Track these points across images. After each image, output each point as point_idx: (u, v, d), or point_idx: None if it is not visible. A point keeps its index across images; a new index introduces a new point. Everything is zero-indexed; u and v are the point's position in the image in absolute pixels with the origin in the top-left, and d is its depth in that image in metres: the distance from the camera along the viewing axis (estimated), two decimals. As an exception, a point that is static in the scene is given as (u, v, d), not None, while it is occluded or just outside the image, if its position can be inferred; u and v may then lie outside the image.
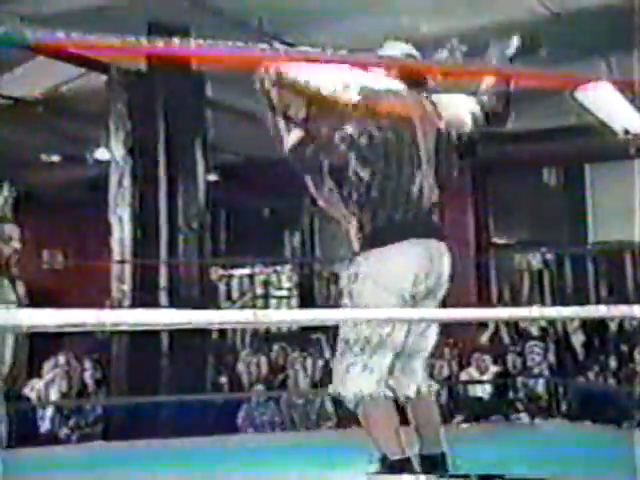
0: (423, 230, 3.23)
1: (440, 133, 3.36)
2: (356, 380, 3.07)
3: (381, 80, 3.24)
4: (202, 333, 7.65)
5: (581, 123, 8.48)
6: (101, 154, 9.99)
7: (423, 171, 3.23)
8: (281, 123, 3.32)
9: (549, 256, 11.92)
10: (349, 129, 3.13)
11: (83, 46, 2.29)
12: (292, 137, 3.28)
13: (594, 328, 9.13)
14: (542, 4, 7.57)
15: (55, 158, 11.65)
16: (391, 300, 3.10)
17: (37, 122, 10.00)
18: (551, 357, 8.83)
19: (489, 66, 3.83)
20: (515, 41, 3.50)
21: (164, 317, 2.69)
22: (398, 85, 3.28)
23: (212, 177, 9.25)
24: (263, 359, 8.99)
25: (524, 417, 7.90)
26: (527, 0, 7.52)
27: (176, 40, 2.93)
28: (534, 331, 9.32)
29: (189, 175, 8.10)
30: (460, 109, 3.51)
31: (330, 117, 3.17)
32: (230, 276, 13.03)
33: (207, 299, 8.25)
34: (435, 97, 3.44)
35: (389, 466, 3.04)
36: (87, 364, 8.48)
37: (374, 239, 3.12)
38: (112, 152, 8.25)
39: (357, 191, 3.14)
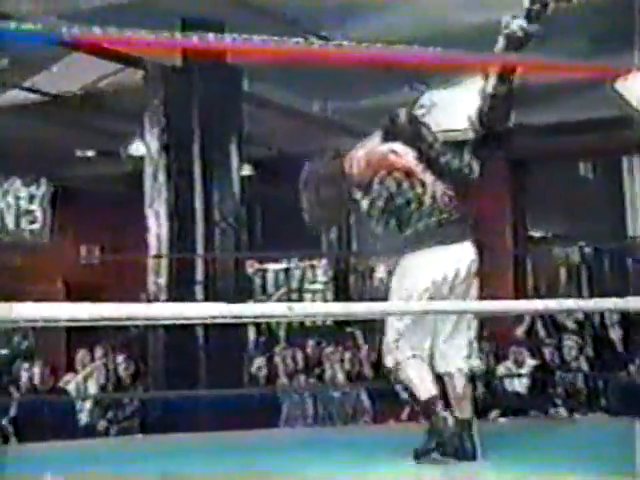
0: (439, 239, 3.88)
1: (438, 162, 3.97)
2: (401, 351, 3.86)
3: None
4: (238, 327, 7.67)
5: (619, 115, 8.37)
6: (137, 149, 10.05)
7: (429, 195, 3.92)
8: (358, 193, 4.06)
9: (587, 250, 11.80)
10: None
11: (119, 42, 2.30)
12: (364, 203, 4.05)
13: (633, 322, 9.02)
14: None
15: (91, 153, 11.73)
16: (414, 296, 3.80)
17: (74, 118, 10.08)
18: (589, 351, 8.74)
19: (526, 58, 3.83)
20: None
21: (200, 310, 2.71)
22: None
23: (247, 171, 9.26)
24: (299, 353, 9.00)
25: (563, 412, 7.82)
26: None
27: (211, 35, 2.92)
28: (570, 325, 9.23)
29: (224, 169, 8.12)
30: (456, 120, 4.02)
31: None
32: (265, 270, 13.07)
33: (243, 293, 8.27)
34: (433, 112, 4.05)
35: (422, 406, 3.85)
36: (123, 358, 8.54)
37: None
38: (148, 147, 8.29)
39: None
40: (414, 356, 3.85)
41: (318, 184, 4.10)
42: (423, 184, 3.90)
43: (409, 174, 3.91)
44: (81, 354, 8.62)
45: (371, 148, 4.07)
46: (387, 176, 3.94)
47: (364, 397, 8.02)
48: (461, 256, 3.91)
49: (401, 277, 3.93)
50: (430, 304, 3.60)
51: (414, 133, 4.00)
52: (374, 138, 4.12)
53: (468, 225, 4.04)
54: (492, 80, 3.86)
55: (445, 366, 3.91)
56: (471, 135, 3.97)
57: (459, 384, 3.88)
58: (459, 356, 3.91)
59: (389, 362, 3.93)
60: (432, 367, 3.90)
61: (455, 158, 3.94)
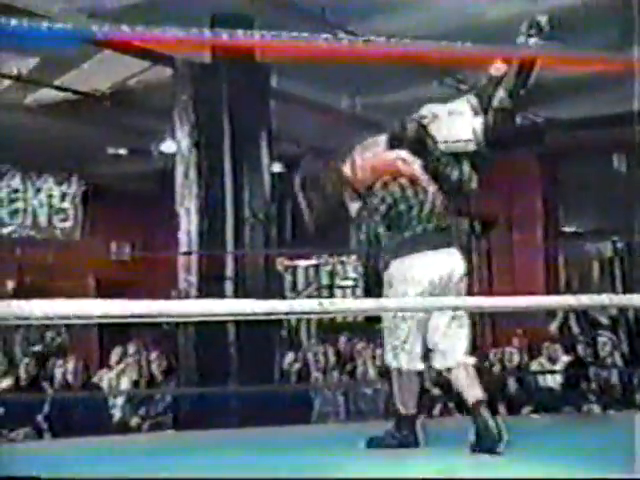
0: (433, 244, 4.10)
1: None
2: (398, 357, 4.12)
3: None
4: (270, 323, 7.68)
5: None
6: (167, 146, 10.08)
7: (430, 202, 4.15)
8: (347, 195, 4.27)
9: (620, 244, 11.68)
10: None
11: (150, 39, 2.30)
12: (354, 206, 4.29)
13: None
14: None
15: (122, 151, 11.79)
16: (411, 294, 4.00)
17: (104, 116, 10.13)
18: (623, 347, 8.65)
19: (559, 51, 3.80)
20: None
21: (229, 307, 2.70)
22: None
23: (278, 168, 9.26)
24: (330, 349, 8.99)
25: (596, 408, 7.75)
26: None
27: (240, 32, 2.91)
28: (604, 320, 9.15)
29: (254, 166, 8.12)
30: (459, 132, 4.22)
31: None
32: (296, 267, 13.07)
33: (272, 290, 8.27)
34: (436, 124, 4.24)
35: (399, 419, 4.16)
36: (155, 354, 8.58)
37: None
38: (178, 144, 8.31)
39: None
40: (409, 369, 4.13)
41: (314, 186, 4.25)
42: (425, 192, 4.13)
43: (413, 181, 4.12)
44: (114, 351, 8.68)
45: (379, 154, 4.21)
46: (392, 182, 4.14)
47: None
48: (452, 260, 4.12)
49: (398, 280, 4.07)
50: (464, 299, 3.64)
51: (420, 142, 4.21)
52: (379, 142, 4.26)
53: (455, 232, 4.32)
54: (500, 93, 4.14)
55: (444, 362, 4.10)
56: (472, 147, 4.18)
57: (462, 375, 4.05)
58: (459, 351, 4.07)
59: (392, 365, 4.15)
60: (429, 364, 4.16)
61: (455, 169, 4.20)
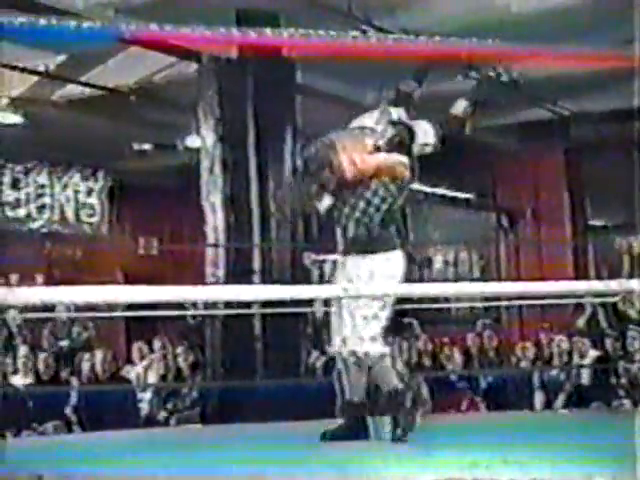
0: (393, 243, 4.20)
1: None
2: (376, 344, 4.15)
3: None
4: (295, 317, 7.69)
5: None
6: (192, 141, 10.10)
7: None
8: (314, 189, 4.23)
9: (650, 239, 11.57)
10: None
11: (177, 37, 2.31)
12: (325, 202, 4.25)
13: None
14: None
15: (147, 146, 11.84)
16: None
17: (130, 111, 10.17)
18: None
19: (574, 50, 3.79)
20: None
21: (256, 293, 2.71)
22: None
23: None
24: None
25: (627, 404, 7.68)
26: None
27: (268, 30, 2.91)
28: (634, 314, 9.07)
29: (279, 161, 8.13)
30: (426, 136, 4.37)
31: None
32: (323, 261, 13.04)
33: (300, 284, 8.26)
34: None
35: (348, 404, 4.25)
36: (182, 349, 8.60)
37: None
38: (203, 139, 8.33)
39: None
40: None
41: (304, 170, 4.28)
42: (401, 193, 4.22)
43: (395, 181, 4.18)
44: (140, 345, 8.72)
45: (384, 156, 4.20)
46: (391, 182, 4.18)
47: (424, 388, 7.97)
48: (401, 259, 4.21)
49: (382, 274, 4.07)
50: (492, 285, 3.62)
51: (405, 145, 4.29)
52: (365, 136, 4.25)
53: None
54: (462, 103, 4.44)
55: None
56: (428, 150, 4.35)
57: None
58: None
59: (378, 349, 4.15)
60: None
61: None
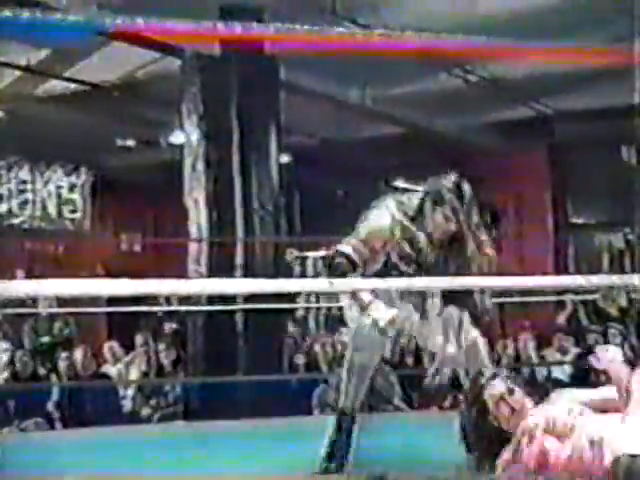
0: None
1: None
2: None
3: None
4: (277, 314, 7.69)
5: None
6: (176, 138, 10.08)
7: None
8: None
9: (631, 236, 11.65)
10: None
11: (161, 32, 2.31)
12: None
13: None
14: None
15: (130, 142, 11.80)
16: None
17: (113, 107, 10.14)
18: (633, 339, 8.62)
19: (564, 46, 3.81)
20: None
21: (240, 286, 2.70)
22: None
23: (286, 159, 9.26)
24: (339, 340, 8.97)
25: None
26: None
27: (254, 25, 2.91)
28: (614, 312, 9.12)
29: (263, 157, 8.13)
30: None
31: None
32: (305, 258, 13.05)
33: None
34: None
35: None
36: (163, 345, 8.58)
37: None
38: (187, 136, 8.31)
39: None
40: None
41: None
42: None
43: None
44: (112, 344, 8.67)
45: None
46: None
47: (403, 385, 7.98)
48: None
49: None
50: (476, 280, 3.60)
51: None
52: None
53: None
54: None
55: None
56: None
57: None
58: None
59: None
60: None
61: None
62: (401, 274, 3.87)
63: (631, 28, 5.31)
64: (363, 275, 3.83)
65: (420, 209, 3.94)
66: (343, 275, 3.82)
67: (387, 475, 3.32)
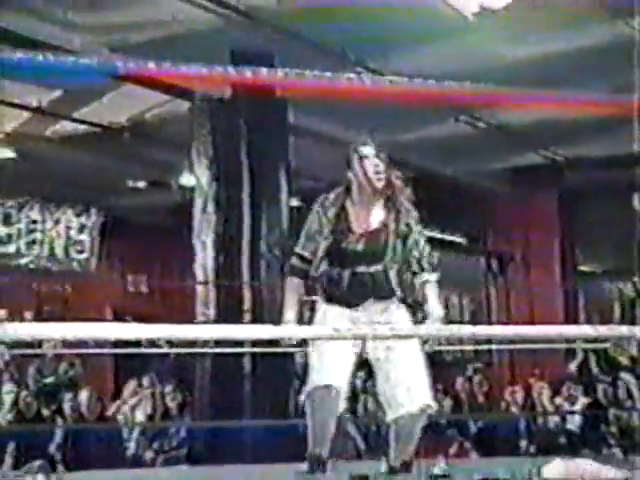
0: None
1: None
2: None
3: None
4: (285, 357, 7.63)
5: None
6: (186, 180, 10.11)
7: None
8: None
9: (641, 285, 11.57)
10: None
11: (174, 76, 2.31)
12: None
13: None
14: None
15: (141, 184, 11.84)
16: None
17: (123, 148, 10.18)
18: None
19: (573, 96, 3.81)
20: None
21: (248, 332, 2.67)
22: None
23: (295, 202, 9.26)
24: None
25: (617, 452, 7.59)
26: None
27: (264, 70, 2.91)
28: (624, 361, 9.02)
29: (272, 200, 8.13)
30: None
31: None
32: (314, 301, 13.01)
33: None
34: None
35: None
36: (170, 388, 8.52)
37: None
38: (196, 178, 8.33)
39: None
40: None
41: None
42: None
43: None
44: (129, 384, 8.63)
45: None
46: None
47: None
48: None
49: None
50: (487, 328, 3.57)
51: None
52: None
53: None
54: None
55: None
56: None
57: None
58: None
59: None
60: None
61: None
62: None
63: (632, 78, 5.33)
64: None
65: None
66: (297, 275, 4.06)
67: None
